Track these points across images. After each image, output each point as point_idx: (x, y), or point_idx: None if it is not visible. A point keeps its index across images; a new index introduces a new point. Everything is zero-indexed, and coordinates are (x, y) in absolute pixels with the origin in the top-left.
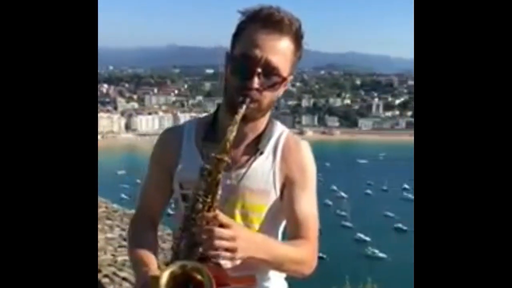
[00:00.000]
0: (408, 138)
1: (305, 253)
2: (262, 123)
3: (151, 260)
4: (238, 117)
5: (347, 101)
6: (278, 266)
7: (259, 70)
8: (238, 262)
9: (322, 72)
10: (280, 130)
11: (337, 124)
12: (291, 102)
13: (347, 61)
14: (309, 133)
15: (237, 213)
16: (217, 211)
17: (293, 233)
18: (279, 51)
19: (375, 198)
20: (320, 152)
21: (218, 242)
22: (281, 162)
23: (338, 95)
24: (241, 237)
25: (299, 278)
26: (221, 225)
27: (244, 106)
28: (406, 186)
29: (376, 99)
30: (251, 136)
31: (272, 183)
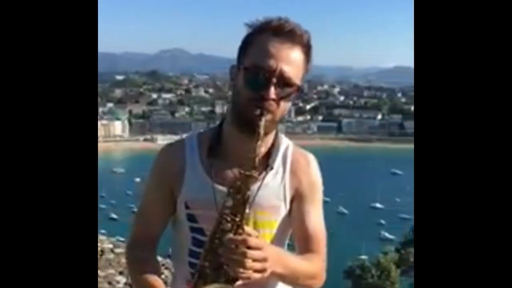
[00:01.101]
0: (319, 142)
1: (317, 267)
2: (270, 137)
3: (161, 286)
4: (261, 130)
5: None
6: (294, 280)
7: (274, 80)
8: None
9: None
10: (285, 143)
11: None
12: (205, 109)
13: None
14: None
15: None
16: (247, 229)
17: (303, 247)
18: (292, 61)
19: None
20: None
21: (250, 265)
22: (291, 177)
23: None
24: (271, 256)
25: None
26: (250, 247)
27: (264, 119)
28: None
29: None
30: (262, 152)
31: (282, 198)
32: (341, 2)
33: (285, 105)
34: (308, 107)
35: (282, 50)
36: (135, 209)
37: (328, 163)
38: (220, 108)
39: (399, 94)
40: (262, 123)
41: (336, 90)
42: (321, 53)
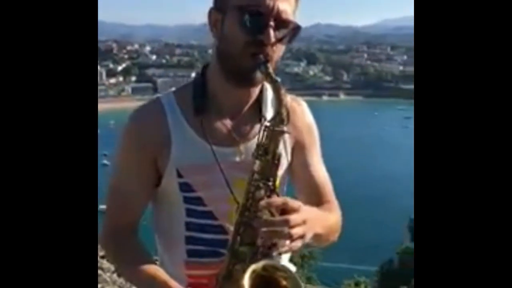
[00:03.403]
0: (137, 104)
1: (338, 217)
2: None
3: (164, 276)
4: (276, 77)
5: None
6: (326, 238)
7: (272, 21)
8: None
9: None
10: (271, 90)
11: None
12: None
13: None
14: None
15: None
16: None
17: (315, 199)
18: None
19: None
20: None
21: (294, 231)
22: (289, 126)
23: None
24: (309, 218)
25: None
26: (284, 210)
27: (270, 65)
28: None
29: (98, 67)
30: (251, 102)
31: (283, 150)
32: None
33: (282, 48)
34: (119, 68)
35: None
36: None
37: None
38: None
39: (210, 51)
40: (271, 69)
41: (147, 49)
42: (130, 11)
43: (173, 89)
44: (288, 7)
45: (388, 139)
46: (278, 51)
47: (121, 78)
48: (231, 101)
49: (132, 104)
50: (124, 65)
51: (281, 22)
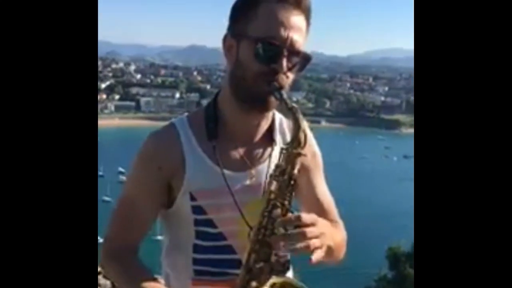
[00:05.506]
0: (119, 122)
1: (344, 236)
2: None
3: None
4: (293, 103)
5: None
6: (336, 254)
7: (286, 51)
8: None
9: None
10: (278, 116)
11: None
12: None
13: None
14: None
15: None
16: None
17: (322, 218)
18: (300, 29)
19: None
20: None
21: (312, 243)
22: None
23: None
24: (325, 230)
25: None
26: (306, 224)
27: (284, 92)
28: (120, 169)
29: None
30: (264, 127)
31: None
32: None
33: (292, 77)
34: (103, 85)
35: (291, 18)
36: None
37: (131, 143)
38: None
39: (195, 73)
40: (286, 95)
41: (132, 68)
42: (115, 30)
43: (186, 114)
44: (300, 38)
45: (368, 167)
46: (290, 78)
47: (104, 96)
48: (243, 128)
49: (115, 122)
50: (108, 82)
51: (294, 52)
